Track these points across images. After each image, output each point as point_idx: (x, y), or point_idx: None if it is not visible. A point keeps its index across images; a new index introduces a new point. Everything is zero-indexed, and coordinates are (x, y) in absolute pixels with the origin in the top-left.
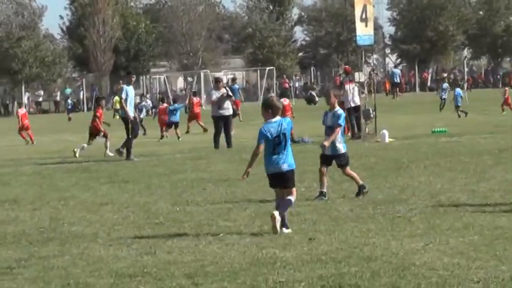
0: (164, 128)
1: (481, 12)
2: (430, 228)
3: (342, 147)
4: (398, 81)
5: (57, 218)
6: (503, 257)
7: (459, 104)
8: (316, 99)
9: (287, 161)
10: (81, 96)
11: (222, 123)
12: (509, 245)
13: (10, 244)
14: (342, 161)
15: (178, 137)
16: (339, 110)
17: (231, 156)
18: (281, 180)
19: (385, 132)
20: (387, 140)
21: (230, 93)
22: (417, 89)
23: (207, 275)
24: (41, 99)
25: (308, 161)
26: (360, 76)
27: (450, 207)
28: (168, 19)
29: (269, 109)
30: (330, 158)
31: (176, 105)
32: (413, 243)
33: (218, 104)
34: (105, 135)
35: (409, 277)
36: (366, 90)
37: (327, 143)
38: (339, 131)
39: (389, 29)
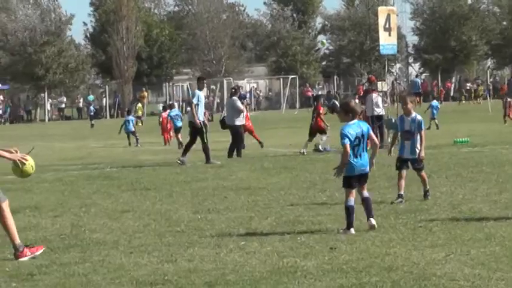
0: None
1: (504, 23)
2: (451, 238)
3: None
4: (419, 90)
5: (79, 225)
6: None
7: (435, 116)
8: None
9: (368, 161)
10: (104, 103)
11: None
12: None
13: None
14: (420, 164)
15: (180, 143)
16: (417, 116)
17: (252, 164)
18: (364, 180)
19: None
20: None
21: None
22: (442, 98)
23: (228, 284)
24: (63, 105)
25: (330, 170)
26: (383, 85)
27: (472, 218)
28: (192, 26)
29: (349, 113)
30: (408, 161)
31: (176, 110)
32: (435, 254)
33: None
34: (324, 132)
35: (430, 287)
36: (388, 100)
37: (422, 154)
38: (424, 135)
39: (412, 39)
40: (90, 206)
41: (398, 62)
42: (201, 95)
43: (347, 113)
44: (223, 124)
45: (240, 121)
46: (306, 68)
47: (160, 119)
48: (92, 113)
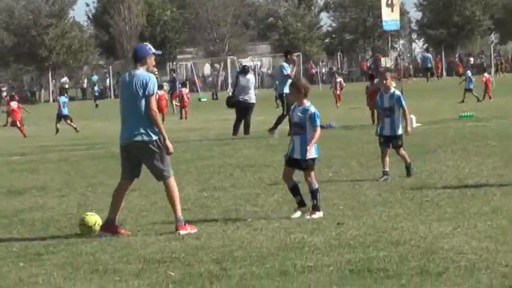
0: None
1: None
2: (458, 212)
3: (400, 127)
4: (430, 65)
5: (85, 205)
6: None
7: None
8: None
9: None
10: (108, 83)
11: (243, 109)
12: None
13: (38, 231)
14: (398, 142)
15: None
16: (396, 91)
17: (257, 141)
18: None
19: (413, 117)
20: (414, 124)
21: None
22: (444, 73)
23: (235, 260)
24: (67, 86)
25: (335, 146)
26: (387, 61)
27: (478, 192)
28: (194, 5)
29: (302, 90)
30: (389, 138)
31: (64, 97)
32: (442, 228)
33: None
34: None
35: (438, 261)
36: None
37: (409, 129)
38: (407, 110)
39: (415, 14)
40: (97, 185)
41: (402, 38)
42: (288, 68)
43: (299, 90)
44: (229, 102)
45: (249, 97)
46: (309, 46)
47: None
48: (97, 94)
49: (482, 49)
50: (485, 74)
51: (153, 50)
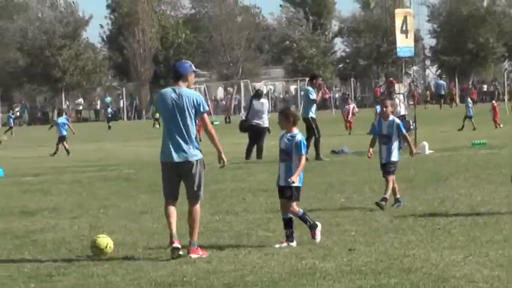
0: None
1: None
2: (470, 240)
3: (396, 155)
4: (443, 93)
5: (97, 227)
6: None
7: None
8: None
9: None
10: (121, 105)
11: (256, 134)
12: None
13: (50, 252)
14: (391, 168)
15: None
16: (395, 119)
17: (270, 166)
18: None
19: (425, 143)
20: (427, 151)
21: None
22: (457, 100)
23: (247, 285)
24: (80, 107)
25: (348, 172)
26: (400, 88)
27: (490, 220)
28: (208, 29)
29: (291, 118)
30: (384, 166)
31: (64, 118)
32: (453, 255)
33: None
34: None
35: None
36: (405, 102)
37: (414, 150)
38: (408, 136)
39: (429, 41)
40: (109, 207)
41: (415, 64)
42: (314, 93)
43: (288, 118)
44: (243, 126)
45: (262, 122)
46: (322, 71)
47: None
48: (110, 115)
49: (495, 76)
50: (494, 101)
51: (193, 68)
